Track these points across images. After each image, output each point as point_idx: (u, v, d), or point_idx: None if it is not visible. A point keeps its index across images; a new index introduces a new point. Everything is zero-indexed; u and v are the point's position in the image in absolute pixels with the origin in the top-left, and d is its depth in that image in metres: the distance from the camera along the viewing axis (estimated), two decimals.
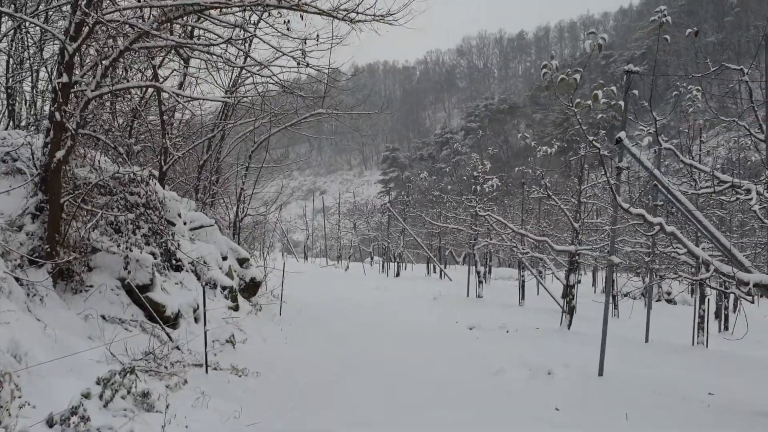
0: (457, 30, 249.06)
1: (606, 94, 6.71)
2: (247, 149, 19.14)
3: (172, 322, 11.02)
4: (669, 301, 30.08)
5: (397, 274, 38.02)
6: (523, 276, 23.01)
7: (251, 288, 16.34)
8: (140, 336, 9.58)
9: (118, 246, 10.27)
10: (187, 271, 13.49)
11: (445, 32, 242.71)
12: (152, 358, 9.06)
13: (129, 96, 16.97)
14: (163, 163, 16.54)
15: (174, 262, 13.27)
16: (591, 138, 7.66)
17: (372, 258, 50.21)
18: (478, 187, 18.18)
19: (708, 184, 9.02)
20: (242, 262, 16.42)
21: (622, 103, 7.49)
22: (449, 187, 27.39)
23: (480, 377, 10.00)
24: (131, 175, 10.12)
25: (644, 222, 7.58)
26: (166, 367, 8.81)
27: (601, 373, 9.65)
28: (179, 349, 10.46)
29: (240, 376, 10.01)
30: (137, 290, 10.43)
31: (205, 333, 9.84)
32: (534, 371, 9.89)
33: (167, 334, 10.36)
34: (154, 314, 10.34)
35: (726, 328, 17.63)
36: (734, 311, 25.67)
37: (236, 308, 14.33)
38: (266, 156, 19.15)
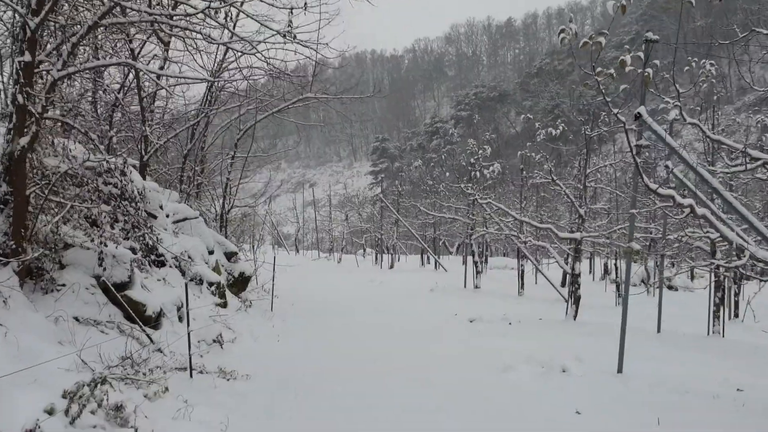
0: (445, 17, 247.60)
1: (634, 59, 5.90)
2: (232, 138, 18.24)
3: (154, 322, 10.20)
4: (669, 287, 29.45)
5: (391, 266, 37.22)
6: (522, 265, 22.28)
7: (240, 283, 15.50)
8: (118, 339, 8.76)
9: (92, 240, 9.42)
10: (170, 266, 12.66)
11: (433, 19, 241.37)
12: (130, 363, 8.24)
13: (108, 82, 16.13)
14: (143, 153, 15.66)
15: (156, 257, 12.44)
16: (615, 111, 6.84)
17: (364, 250, 49.40)
18: (477, 174, 17.36)
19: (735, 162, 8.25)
20: (230, 256, 15.58)
21: (650, 70, 6.69)
22: (447, 174, 26.53)
23: (487, 376, 9.23)
24: (105, 164, 9.24)
25: (674, 204, 6.80)
26: (144, 374, 7.99)
27: (620, 370, 8.90)
28: (161, 351, 9.64)
29: (228, 380, 9.20)
30: (114, 288, 9.59)
31: (189, 334, 9.02)
32: (546, 368, 9.12)
33: (148, 335, 9.54)
34: (133, 314, 9.51)
35: (737, 315, 16.97)
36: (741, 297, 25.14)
37: (224, 305, 13.51)
38: (252, 145, 18.24)
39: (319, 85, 19.97)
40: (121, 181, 9.53)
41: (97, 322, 9.06)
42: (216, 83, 17.96)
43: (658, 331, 13.73)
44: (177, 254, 12.95)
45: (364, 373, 9.85)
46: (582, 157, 15.85)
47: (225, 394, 8.41)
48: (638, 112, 8.56)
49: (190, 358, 8.93)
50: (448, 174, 27.35)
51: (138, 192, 12.38)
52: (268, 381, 9.37)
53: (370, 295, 21.92)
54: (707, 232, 9.04)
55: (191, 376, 8.87)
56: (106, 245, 9.43)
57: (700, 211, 6.97)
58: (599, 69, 6.79)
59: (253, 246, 24.80)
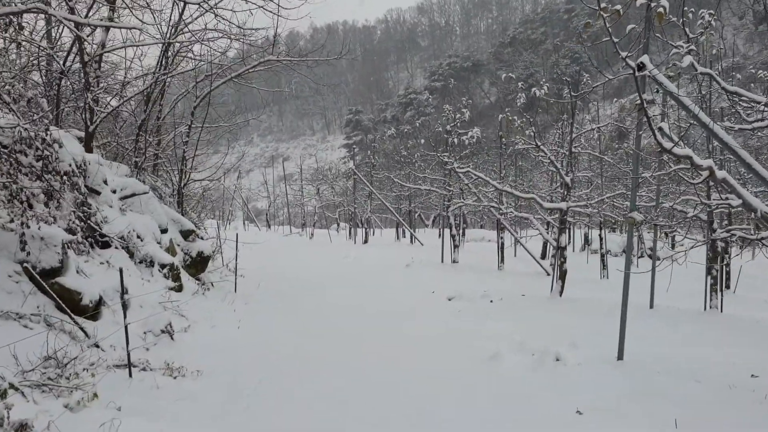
0: None
1: None
2: (192, 107, 16.76)
3: (92, 311, 8.94)
4: (651, 257, 28.76)
5: (365, 241, 36.00)
6: (502, 238, 21.25)
7: (199, 264, 14.22)
8: (43, 335, 7.51)
9: (11, 221, 8.10)
10: (116, 247, 11.35)
11: None
12: (54, 364, 7.01)
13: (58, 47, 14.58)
14: (88, 123, 14.21)
15: (99, 237, 11.13)
16: (624, 54, 5.69)
17: (338, 225, 48.10)
18: (455, 140, 16.16)
19: (755, 118, 7.16)
20: (187, 234, 14.26)
21: (666, 4, 5.53)
22: (422, 142, 25.19)
23: (471, 366, 8.15)
24: (21, 131, 7.85)
25: (692, 166, 5.70)
26: (69, 377, 6.76)
27: (620, 357, 7.87)
28: (98, 346, 8.42)
29: (175, 378, 8.00)
30: (41, 276, 8.31)
31: (126, 327, 7.78)
32: (538, 356, 8.06)
33: (82, 328, 8.29)
34: (63, 305, 8.24)
35: (728, 286, 16.15)
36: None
37: (179, 289, 12.24)
38: (207, 113, 16.78)
39: (282, 45, 18.55)
40: (43, 152, 8.15)
41: (20, 316, 7.79)
42: (171, 47, 16.48)
43: (651, 306, 12.79)
44: (124, 233, 11.64)
45: (334, 362, 8.73)
46: (566, 121, 14.73)
47: (168, 397, 7.21)
48: (641, 62, 7.41)
49: (129, 355, 7.70)
50: (423, 142, 26.02)
51: (76, 165, 11.05)
52: (223, 376, 8.20)
53: (343, 272, 20.76)
54: (726, 198, 8.01)
55: (130, 375, 7.66)
56: (28, 226, 8.11)
57: (720, 174, 5.88)
58: (604, 4, 5.63)
59: (219, 223, 23.42)
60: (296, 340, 10.36)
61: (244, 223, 53.32)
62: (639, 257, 26.31)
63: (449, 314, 12.49)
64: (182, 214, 15.77)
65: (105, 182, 12.13)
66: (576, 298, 14.07)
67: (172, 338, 9.77)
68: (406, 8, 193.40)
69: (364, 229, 36.88)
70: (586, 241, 30.27)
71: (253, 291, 15.69)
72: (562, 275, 13.85)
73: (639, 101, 5.98)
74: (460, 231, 22.46)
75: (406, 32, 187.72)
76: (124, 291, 7.86)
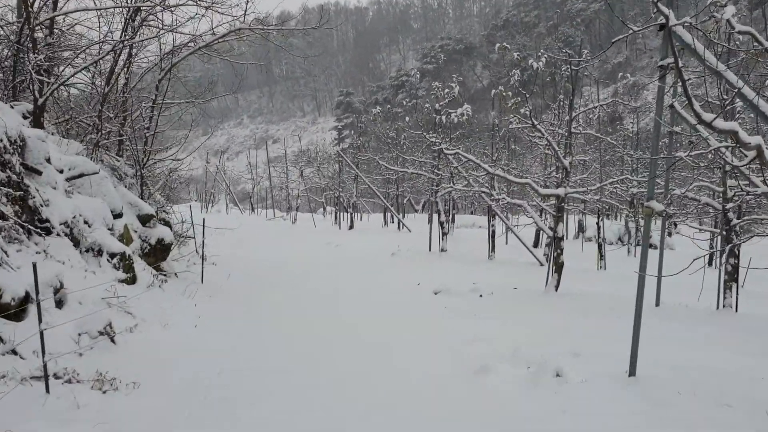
0: None
1: None
2: (177, 86, 15.26)
3: (15, 310, 7.63)
4: (652, 247, 27.66)
5: (351, 227, 34.61)
6: (493, 225, 19.98)
7: (159, 251, 12.87)
8: None
9: None
10: (58, 234, 10.00)
11: None
12: None
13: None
14: (37, 94, 12.77)
15: (39, 222, 9.78)
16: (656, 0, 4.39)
17: (324, 209, 46.66)
18: (443, 119, 14.87)
19: None
20: (146, 219, 12.90)
21: None
22: (409, 123, 23.85)
23: (456, 380, 6.90)
24: None
25: (736, 143, 4.43)
26: None
27: (632, 372, 6.64)
28: (16, 353, 7.13)
29: (105, 392, 6.71)
30: None
31: (41, 333, 6.46)
32: (535, 370, 6.81)
33: None
34: None
35: (735, 280, 14.91)
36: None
37: (131, 280, 10.90)
38: (170, 87, 15.30)
39: (286, 46, 17.15)
40: None
41: None
42: (138, 13, 15.05)
43: (657, 304, 11.56)
44: (68, 219, 10.29)
45: (299, 374, 7.46)
46: (562, 101, 13.42)
47: (89, 420, 5.93)
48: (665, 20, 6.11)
49: (45, 367, 6.40)
50: (408, 120, 24.60)
51: (9, 140, 9.70)
52: (165, 390, 6.93)
53: (324, 260, 19.46)
54: (748, 185, 6.77)
55: (48, 390, 6.37)
56: None
57: None
58: None
59: (193, 206, 22.00)
60: (259, 344, 9.09)
61: (227, 206, 51.82)
62: (636, 245, 25.16)
63: (434, 312, 11.23)
64: (144, 198, 14.40)
65: (48, 160, 10.73)
66: (573, 292, 12.85)
67: (112, 341, 8.46)
68: None
69: (350, 214, 35.51)
70: (581, 228, 29.09)
71: (221, 282, 14.41)
72: (559, 268, 12.61)
73: (667, 62, 4.68)
74: (450, 217, 21.19)
75: (399, 14, 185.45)
76: (36, 289, 6.53)
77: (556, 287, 12.66)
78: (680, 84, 4.89)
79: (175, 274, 13.67)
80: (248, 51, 18.01)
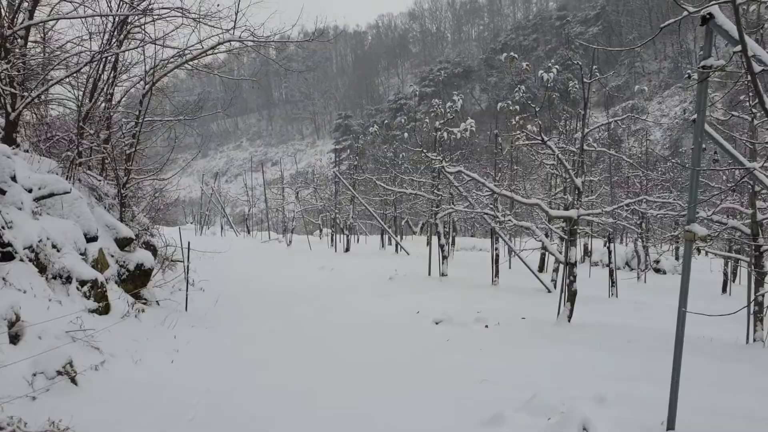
0: None
1: None
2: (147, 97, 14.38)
3: None
4: (657, 270, 26.71)
5: (347, 249, 33.60)
6: (496, 249, 19.02)
7: (138, 278, 11.89)
8: None
9: None
10: (22, 260, 9.04)
11: None
12: None
13: None
14: (9, 108, 11.94)
15: (1, 247, 8.84)
16: None
17: (321, 230, 45.66)
18: (444, 135, 13.99)
19: None
20: (124, 243, 11.94)
21: None
22: (408, 143, 22.94)
23: None
24: None
25: None
26: None
27: (671, 426, 5.66)
28: None
29: None
30: None
31: None
32: (557, 421, 5.80)
33: None
34: None
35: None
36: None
37: (104, 310, 9.90)
38: (157, 105, 14.46)
39: (282, 62, 16.44)
40: None
41: None
42: (123, 24, 14.28)
43: None
44: (33, 242, 9.33)
45: (282, 417, 6.47)
46: (572, 116, 12.57)
47: None
48: (709, 13, 5.25)
49: None
50: (409, 141, 23.70)
51: None
52: None
53: (318, 285, 18.44)
54: None
55: None
56: None
57: None
58: None
59: (182, 228, 21.08)
60: (242, 384, 8.08)
61: (221, 228, 50.80)
62: (643, 270, 24.16)
63: (435, 345, 10.22)
64: (125, 220, 13.44)
65: (14, 179, 9.80)
66: (587, 323, 11.86)
67: (73, 381, 7.43)
68: (398, 14, 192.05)
69: (346, 237, 34.50)
70: (586, 252, 28.11)
71: (208, 309, 13.41)
72: (571, 297, 11.65)
73: (712, 63, 3.79)
74: (450, 239, 20.24)
75: (398, 38, 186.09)
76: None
77: (569, 318, 11.67)
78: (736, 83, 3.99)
79: (157, 301, 12.67)
80: (246, 72, 17.32)
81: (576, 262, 11.75)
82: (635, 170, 21.04)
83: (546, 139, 11.04)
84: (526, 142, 12.03)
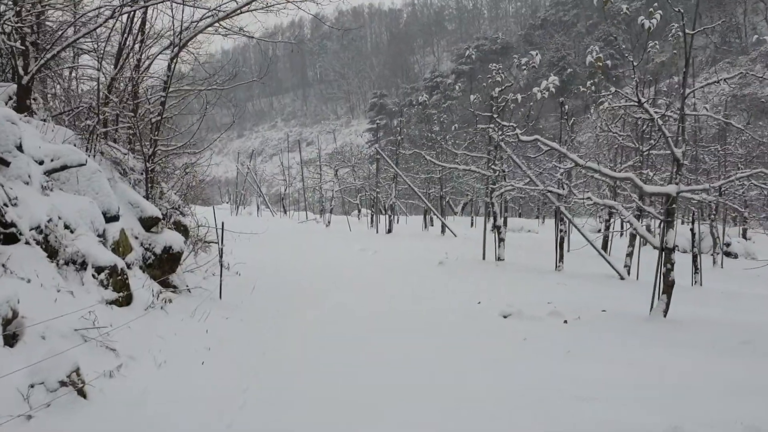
0: None
1: None
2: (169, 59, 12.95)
3: None
4: (728, 254, 24.57)
5: (389, 230, 32.01)
6: (562, 231, 17.23)
7: (166, 262, 10.50)
8: None
9: None
10: (28, 242, 7.68)
11: None
12: None
13: None
14: (21, 71, 10.61)
15: (3, 228, 7.49)
16: None
17: (359, 211, 44.13)
18: (511, 105, 12.21)
19: None
20: (150, 223, 10.55)
21: None
22: (445, 123, 21.16)
23: None
24: None
25: None
26: None
27: None
28: None
29: None
30: None
31: None
32: None
33: None
34: None
35: None
36: None
37: (125, 301, 8.51)
38: (189, 72, 12.98)
39: (316, 41, 14.85)
40: None
41: None
42: None
43: None
44: (41, 222, 7.95)
45: None
46: (678, 70, 10.60)
47: None
48: None
49: None
50: (445, 122, 21.87)
51: None
52: None
53: (361, 270, 16.88)
54: None
55: None
56: None
57: None
58: None
59: (217, 207, 19.77)
60: (276, 391, 6.60)
61: (258, 209, 49.70)
62: (716, 254, 22.11)
63: (510, 346, 8.58)
64: (153, 197, 12.05)
65: (20, 148, 8.42)
66: (685, 318, 10.10)
67: (81, 393, 6.03)
68: None
69: (387, 217, 32.89)
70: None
71: (243, 297, 12.00)
72: (668, 288, 9.90)
73: None
74: (503, 221, 18.48)
75: (433, 15, 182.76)
76: None
77: (665, 312, 9.93)
78: None
79: (188, 288, 11.31)
80: (282, 54, 15.74)
81: (674, 248, 9.97)
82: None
83: (641, 99, 9.24)
84: (617, 104, 10.24)
